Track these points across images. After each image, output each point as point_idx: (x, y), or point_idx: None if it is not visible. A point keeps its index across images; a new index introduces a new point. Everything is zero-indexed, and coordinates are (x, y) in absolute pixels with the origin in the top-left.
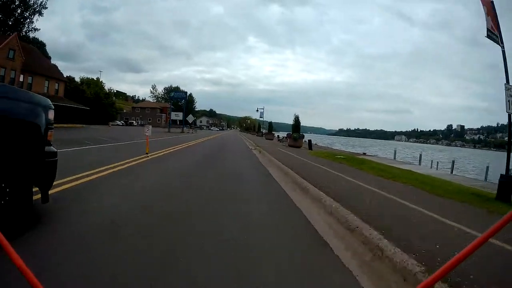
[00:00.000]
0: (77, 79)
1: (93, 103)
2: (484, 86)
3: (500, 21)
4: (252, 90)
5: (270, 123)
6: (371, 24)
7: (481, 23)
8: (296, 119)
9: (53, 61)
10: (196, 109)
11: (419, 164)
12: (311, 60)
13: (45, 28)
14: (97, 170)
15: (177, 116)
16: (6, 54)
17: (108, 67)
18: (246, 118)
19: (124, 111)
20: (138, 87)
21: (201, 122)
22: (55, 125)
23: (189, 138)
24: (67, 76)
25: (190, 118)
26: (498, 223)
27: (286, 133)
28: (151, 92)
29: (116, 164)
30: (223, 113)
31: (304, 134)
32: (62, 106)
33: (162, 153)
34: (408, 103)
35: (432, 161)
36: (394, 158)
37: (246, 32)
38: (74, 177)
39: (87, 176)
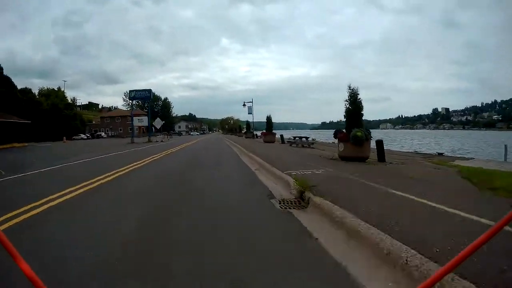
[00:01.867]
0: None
1: (51, 116)
2: (460, 66)
3: None
4: (230, 92)
5: (269, 118)
6: (343, 14)
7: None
8: (353, 97)
9: (29, 79)
10: (175, 115)
11: None
12: (287, 57)
13: (19, 46)
14: None
15: (141, 121)
16: None
17: (86, 81)
18: (228, 119)
19: (93, 122)
20: (118, 98)
21: (179, 127)
22: None
23: (140, 154)
24: (21, 88)
25: (158, 123)
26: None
27: (295, 133)
28: (124, 100)
29: None
30: (203, 117)
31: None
32: None
33: None
34: (388, 91)
35: None
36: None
37: (219, 34)
38: None
39: None
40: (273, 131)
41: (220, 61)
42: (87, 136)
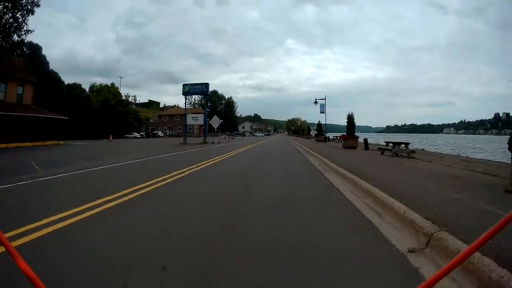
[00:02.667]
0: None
1: (100, 112)
2: None
3: None
4: (295, 93)
5: (351, 118)
6: (407, 18)
7: None
8: None
9: (90, 78)
10: (240, 115)
11: None
12: (351, 60)
13: (81, 46)
14: None
15: (196, 119)
16: None
17: (148, 80)
18: (294, 120)
19: (151, 120)
20: (181, 98)
21: (243, 128)
22: None
23: (168, 167)
24: (68, 84)
25: (216, 122)
26: (493, 228)
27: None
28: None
29: None
30: (268, 118)
31: None
32: (22, 117)
33: None
34: (452, 95)
35: None
36: None
37: (284, 35)
38: None
39: None
40: (337, 134)
41: (284, 62)
42: (140, 135)
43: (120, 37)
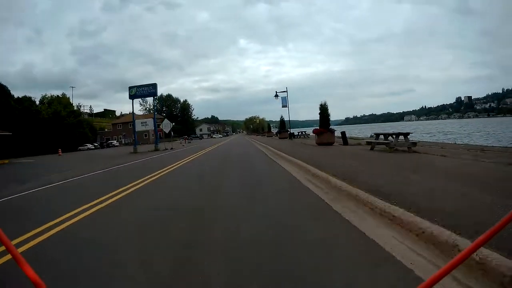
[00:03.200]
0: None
1: (51, 125)
2: (482, 53)
3: None
4: (252, 93)
5: (325, 108)
6: (359, 8)
7: None
8: None
9: (48, 91)
10: (197, 118)
11: None
12: (306, 54)
13: (37, 60)
14: None
15: (145, 125)
16: None
17: (105, 90)
18: (253, 118)
19: (106, 129)
20: (136, 104)
21: (201, 130)
22: None
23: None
24: (18, 98)
25: (166, 126)
26: (497, 225)
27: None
28: (141, 104)
29: None
30: (226, 118)
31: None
32: None
33: None
34: (412, 82)
35: None
36: None
37: (237, 34)
38: None
39: None
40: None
41: (239, 62)
42: (94, 146)
43: (76, 47)
